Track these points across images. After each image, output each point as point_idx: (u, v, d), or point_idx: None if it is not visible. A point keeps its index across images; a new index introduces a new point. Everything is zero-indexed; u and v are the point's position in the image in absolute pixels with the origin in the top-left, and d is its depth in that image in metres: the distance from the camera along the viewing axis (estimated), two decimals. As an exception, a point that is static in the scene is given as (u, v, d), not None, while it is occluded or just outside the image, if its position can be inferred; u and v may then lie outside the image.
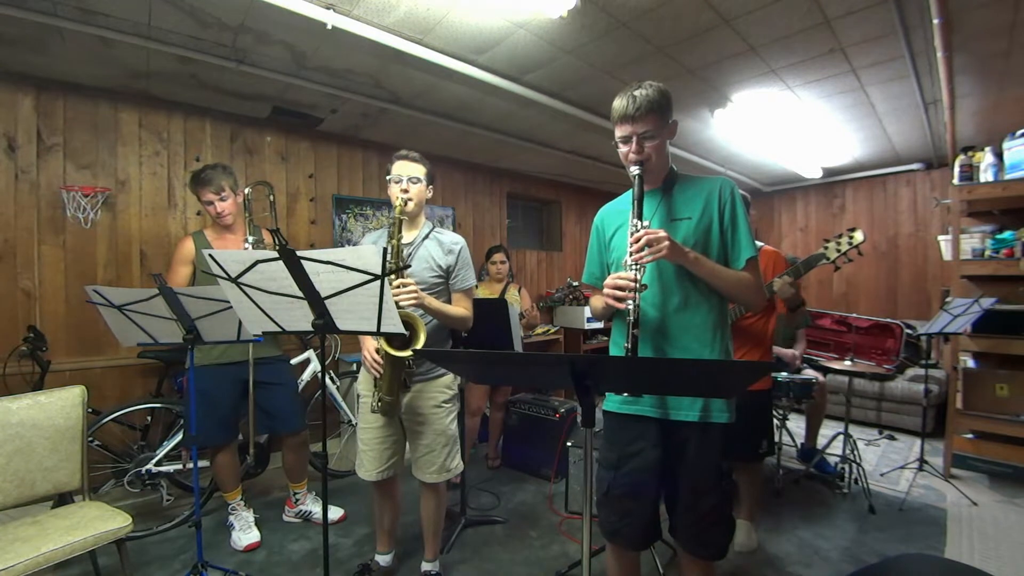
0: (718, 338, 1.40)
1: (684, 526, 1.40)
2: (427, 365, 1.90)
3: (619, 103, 1.35)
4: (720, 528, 1.40)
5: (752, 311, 1.33)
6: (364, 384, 1.96)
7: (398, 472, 2.03)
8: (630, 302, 1.23)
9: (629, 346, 1.23)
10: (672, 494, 1.41)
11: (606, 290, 1.30)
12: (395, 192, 1.84)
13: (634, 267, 1.25)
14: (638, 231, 1.26)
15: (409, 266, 1.82)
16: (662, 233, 1.24)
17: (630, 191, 1.50)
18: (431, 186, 1.95)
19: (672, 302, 1.39)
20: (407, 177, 1.86)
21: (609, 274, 1.48)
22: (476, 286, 3.62)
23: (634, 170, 1.34)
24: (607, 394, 1.50)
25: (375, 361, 1.79)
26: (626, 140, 1.36)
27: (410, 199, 1.84)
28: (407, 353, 1.70)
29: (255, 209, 2.45)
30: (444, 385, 1.95)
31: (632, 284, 1.24)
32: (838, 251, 2.21)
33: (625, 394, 1.33)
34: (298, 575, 2.17)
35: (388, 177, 1.89)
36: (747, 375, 0.99)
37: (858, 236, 2.18)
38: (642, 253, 1.24)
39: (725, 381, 1.00)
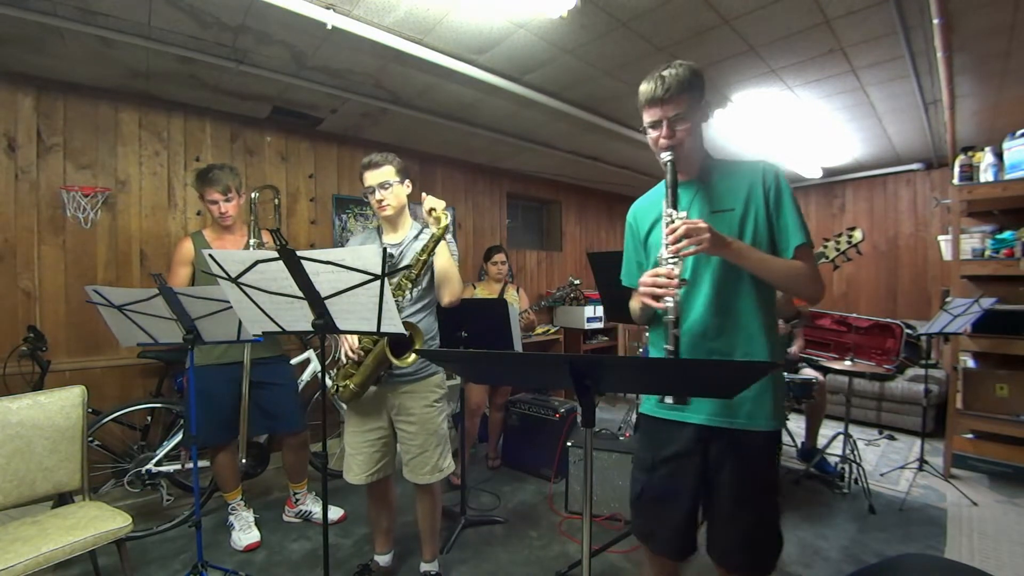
0: (770, 336, 1.30)
1: (721, 538, 1.28)
2: (418, 364, 1.88)
3: (646, 86, 1.24)
4: (765, 544, 1.26)
5: (810, 303, 1.25)
6: None
7: (389, 474, 2.02)
8: (669, 300, 1.13)
9: (672, 348, 1.13)
10: (710, 506, 1.29)
11: (641, 288, 1.20)
12: (374, 203, 1.89)
13: (671, 261, 1.15)
14: (674, 221, 1.16)
15: (410, 266, 1.82)
16: (702, 223, 1.13)
17: (662, 182, 1.38)
18: (407, 181, 1.94)
19: (718, 299, 1.27)
20: (377, 185, 1.86)
21: None
22: (474, 286, 3.65)
23: (665, 156, 1.23)
24: (644, 397, 1.43)
25: (355, 346, 1.79)
26: (655, 125, 1.26)
27: (388, 204, 1.87)
28: (409, 360, 1.73)
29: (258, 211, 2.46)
30: (435, 384, 1.94)
31: (670, 280, 1.13)
32: (837, 250, 2.21)
33: (668, 400, 1.20)
34: (298, 575, 2.17)
35: (363, 190, 1.91)
36: (748, 374, 0.99)
37: (857, 235, 2.19)
38: (679, 245, 1.13)
39: (726, 380, 1.00)
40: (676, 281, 1.14)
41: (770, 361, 1.00)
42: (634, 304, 1.44)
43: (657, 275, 1.16)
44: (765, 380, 1.26)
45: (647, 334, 3.37)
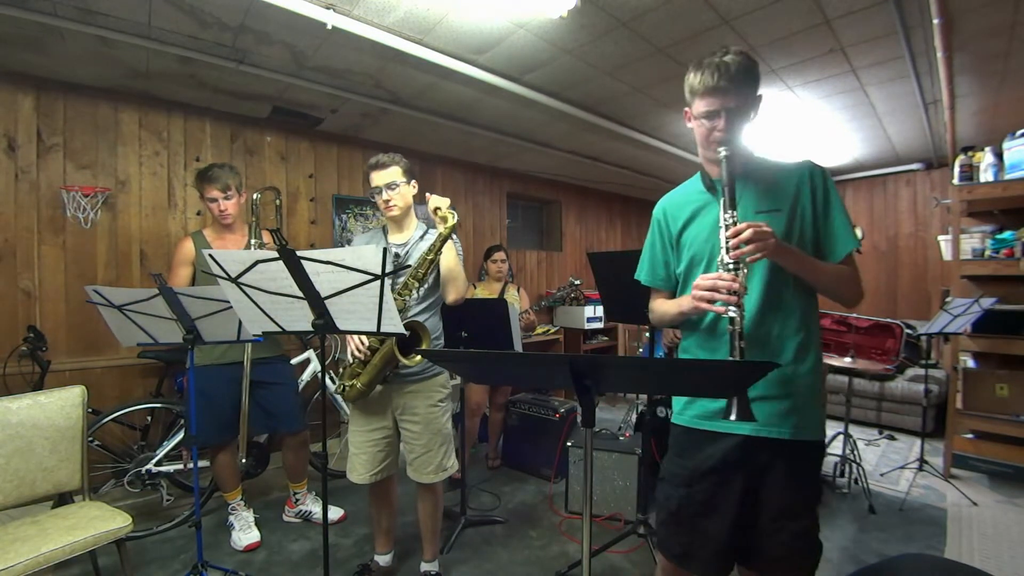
0: (815, 343, 1.23)
1: (765, 550, 1.21)
2: (424, 364, 1.89)
3: (703, 74, 1.16)
4: (808, 552, 1.22)
5: (848, 306, 1.23)
6: None
7: (393, 473, 2.03)
8: (732, 309, 1.07)
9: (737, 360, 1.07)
10: (754, 517, 1.22)
11: (698, 292, 1.12)
12: (380, 204, 1.90)
13: (734, 266, 1.08)
14: (736, 223, 1.09)
15: (409, 266, 1.83)
16: (766, 227, 1.08)
17: (696, 178, 1.33)
18: (413, 181, 1.94)
19: (766, 305, 1.20)
20: (384, 186, 1.87)
21: (676, 274, 1.34)
22: (475, 286, 3.65)
23: (723, 151, 1.14)
24: (675, 407, 1.36)
25: (361, 346, 1.79)
26: (712, 115, 1.17)
27: (395, 204, 1.88)
28: (416, 359, 1.75)
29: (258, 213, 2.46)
30: (440, 384, 1.95)
31: (736, 286, 1.07)
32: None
33: (732, 417, 1.05)
34: (298, 575, 2.17)
35: (369, 191, 1.92)
36: (749, 374, 0.98)
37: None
38: (743, 250, 1.07)
39: (727, 380, 1.00)
40: (743, 288, 1.08)
41: (769, 361, 0.97)
42: (665, 307, 1.35)
43: (720, 279, 1.09)
44: (813, 390, 1.23)
45: (647, 333, 3.36)
